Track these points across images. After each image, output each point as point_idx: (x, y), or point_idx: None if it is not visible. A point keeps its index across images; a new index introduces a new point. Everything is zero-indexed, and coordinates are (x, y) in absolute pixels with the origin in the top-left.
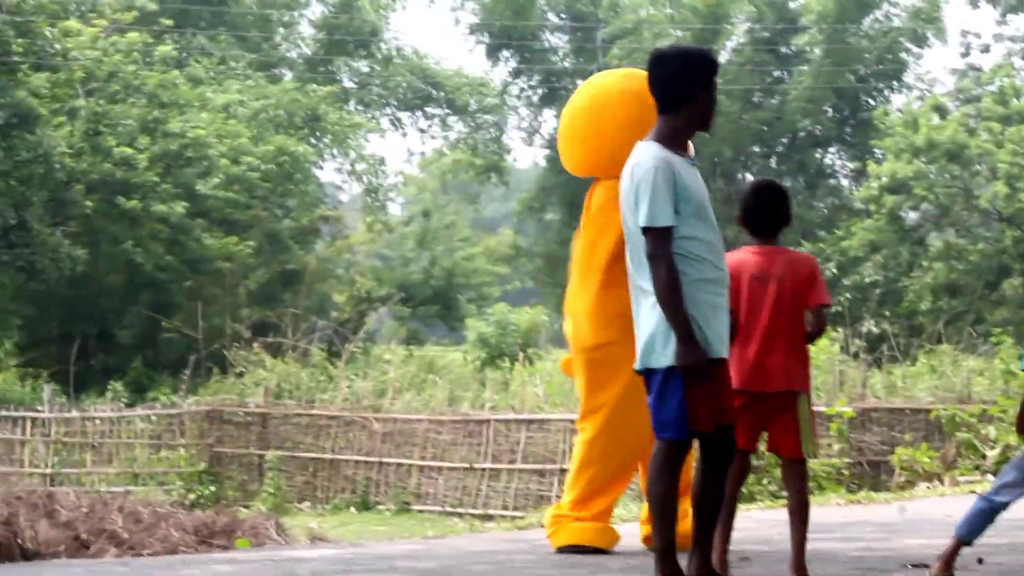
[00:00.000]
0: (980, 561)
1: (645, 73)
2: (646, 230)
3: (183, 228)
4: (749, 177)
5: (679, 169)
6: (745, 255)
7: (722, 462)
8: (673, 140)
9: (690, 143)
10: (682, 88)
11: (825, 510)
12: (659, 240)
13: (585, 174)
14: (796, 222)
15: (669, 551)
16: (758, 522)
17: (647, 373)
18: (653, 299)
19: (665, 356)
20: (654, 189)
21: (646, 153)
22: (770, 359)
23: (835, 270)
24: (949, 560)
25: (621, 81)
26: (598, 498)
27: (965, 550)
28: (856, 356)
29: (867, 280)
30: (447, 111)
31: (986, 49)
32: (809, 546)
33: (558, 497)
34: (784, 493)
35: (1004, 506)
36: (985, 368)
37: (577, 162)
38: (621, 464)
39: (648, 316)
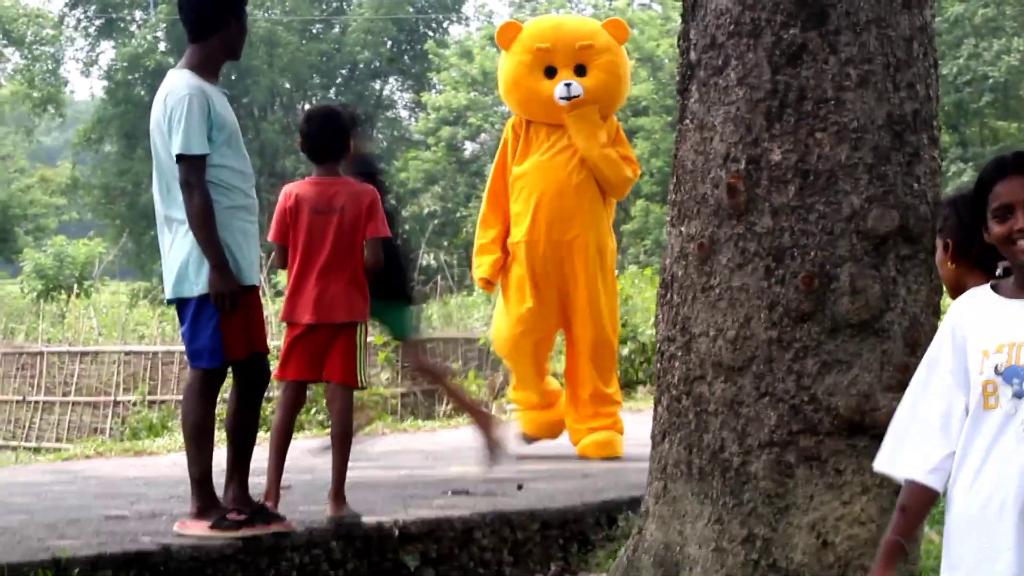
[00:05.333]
0: (520, 487)
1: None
2: (180, 158)
3: None
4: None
5: (212, 97)
6: (306, 187)
7: (257, 390)
8: (205, 68)
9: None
10: (214, 17)
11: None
12: (194, 168)
13: None
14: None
15: (206, 480)
16: (303, 452)
17: (179, 303)
18: (185, 228)
19: (198, 285)
20: (188, 117)
21: (179, 81)
22: (332, 290)
23: (394, 201)
24: None
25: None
26: None
27: (507, 474)
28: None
29: (425, 211)
30: (3, 42)
31: None
32: (352, 474)
33: (112, 429)
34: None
35: None
36: None
37: None
38: None
39: (180, 245)
